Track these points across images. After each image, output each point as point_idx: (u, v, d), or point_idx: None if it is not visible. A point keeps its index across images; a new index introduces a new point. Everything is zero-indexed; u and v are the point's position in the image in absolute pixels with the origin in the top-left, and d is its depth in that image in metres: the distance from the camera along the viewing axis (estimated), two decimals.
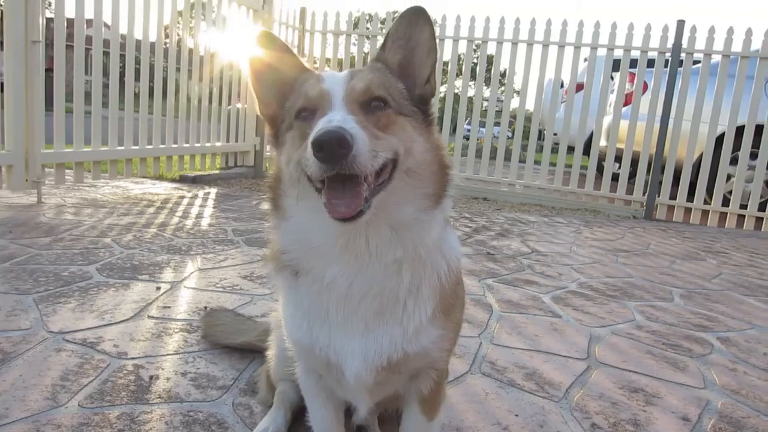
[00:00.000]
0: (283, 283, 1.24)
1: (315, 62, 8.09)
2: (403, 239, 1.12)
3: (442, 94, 7.92)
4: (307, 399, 1.39)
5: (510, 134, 7.63)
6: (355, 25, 7.93)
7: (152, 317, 2.38)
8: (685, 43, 6.65)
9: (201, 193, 5.79)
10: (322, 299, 1.17)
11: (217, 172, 7.09)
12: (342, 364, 1.18)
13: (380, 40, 7.89)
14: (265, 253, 1.45)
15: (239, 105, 7.37)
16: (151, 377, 1.86)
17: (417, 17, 1.15)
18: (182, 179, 6.57)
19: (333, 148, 0.93)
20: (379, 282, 1.13)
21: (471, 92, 7.81)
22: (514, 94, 8.03)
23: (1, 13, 4.31)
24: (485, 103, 7.74)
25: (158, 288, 2.75)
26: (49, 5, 4.76)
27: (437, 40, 1.23)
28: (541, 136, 8.86)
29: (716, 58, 6.64)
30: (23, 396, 1.68)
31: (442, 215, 1.17)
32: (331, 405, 1.37)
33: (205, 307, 2.51)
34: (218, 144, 6.97)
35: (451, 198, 1.18)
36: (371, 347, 1.16)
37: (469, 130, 9.25)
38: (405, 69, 1.19)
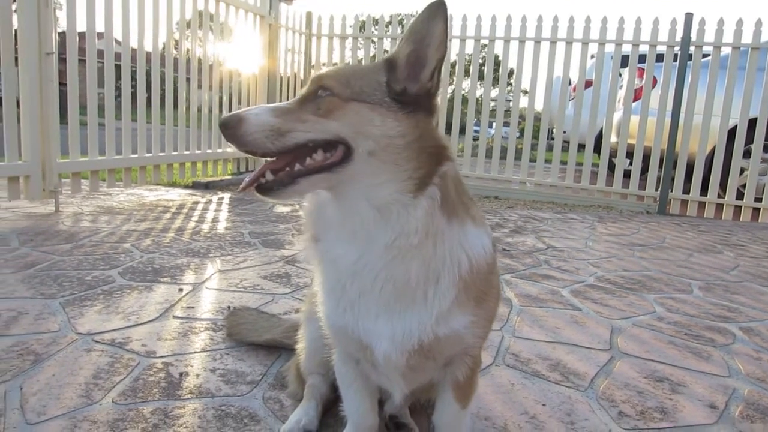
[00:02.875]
0: (314, 254, 1.27)
1: (322, 66, 8.14)
2: (390, 222, 1.14)
3: (450, 95, 7.95)
4: (343, 387, 1.41)
5: (518, 134, 7.63)
6: (361, 29, 7.97)
7: (177, 317, 2.41)
8: (694, 36, 6.62)
9: (215, 198, 5.83)
10: (335, 272, 1.22)
11: (230, 177, 7.13)
12: (372, 345, 1.21)
13: (386, 42, 7.96)
14: (300, 231, 1.51)
15: None
16: (181, 374, 1.88)
17: (436, 11, 1.17)
18: (195, 185, 6.61)
19: (224, 130, 1.14)
20: (382, 266, 1.16)
21: (479, 92, 7.82)
22: (523, 93, 8.00)
23: None
24: (493, 103, 7.73)
25: (181, 289, 2.78)
26: (56, 19, 4.85)
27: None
28: (550, 134, 8.86)
29: (726, 50, 6.62)
30: (58, 394, 1.70)
31: (430, 204, 1.14)
32: (366, 393, 1.39)
33: (229, 307, 2.54)
34: (230, 150, 7.00)
35: (437, 187, 1.15)
36: (399, 329, 1.19)
37: (477, 131, 9.26)
38: (412, 61, 1.20)
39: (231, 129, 1.12)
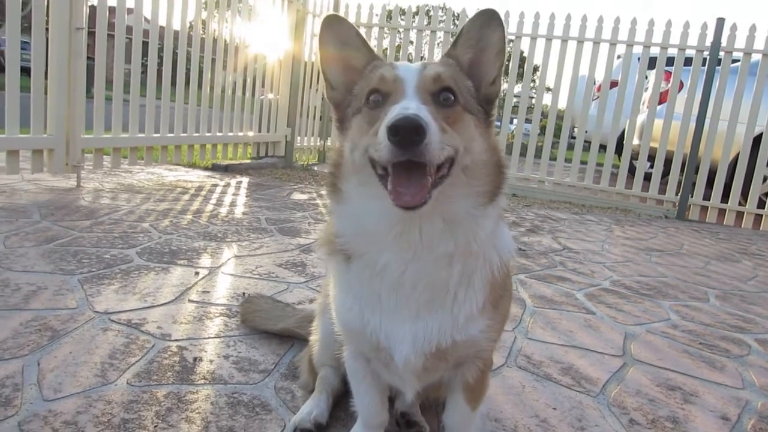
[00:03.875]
0: (335, 267, 1.26)
1: None
2: (456, 233, 1.14)
3: None
4: (354, 383, 1.41)
5: (539, 131, 7.56)
6: (388, 18, 7.93)
7: (192, 301, 2.43)
8: (724, 42, 6.50)
9: (233, 182, 5.86)
10: (374, 284, 1.19)
11: (249, 161, 7.17)
12: (392, 348, 1.21)
13: (412, 34, 7.92)
14: (318, 236, 1.48)
15: (271, 95, 7.42)
16: (194, 359, 1.91)
17: (490, 19, 1.16)
18: (215, 167, 6.66)
19: (409, 134, 0.96)
20: (430, 272, 1.16)
21: (502, 87, 7.78)
22: (546, 91, 7.92)
23: None
24: (516, 99, 7.68)
25: (197, 273, 2.80)
26: None
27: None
28: (572, 133, 8.77)
29: (756, 57, 6.49)
30: (74, 372, 1.73)
31: (496, 212, 1.18)
32: (377, 390, 1.40)
33: (244, 293, 2.56)
34: (250, 134, 7.04)
35: (504, 195, 1.19)
36: (421, 333, 1.19)
37: (499, 126, 9.19)
38: (473, 68, 1.20)
39: (422, 136, 0.96)
